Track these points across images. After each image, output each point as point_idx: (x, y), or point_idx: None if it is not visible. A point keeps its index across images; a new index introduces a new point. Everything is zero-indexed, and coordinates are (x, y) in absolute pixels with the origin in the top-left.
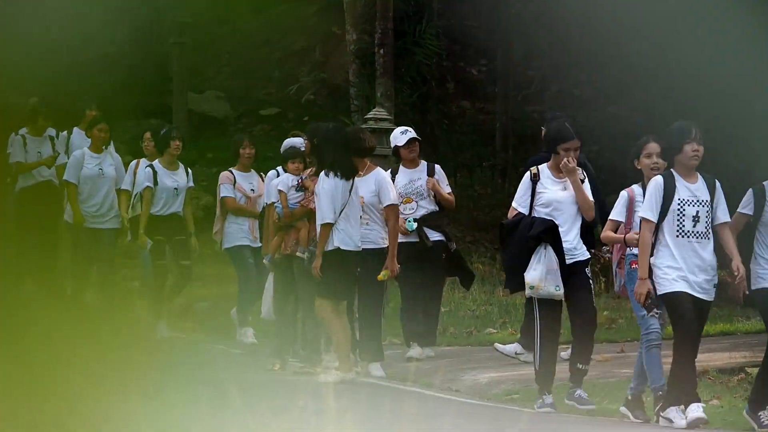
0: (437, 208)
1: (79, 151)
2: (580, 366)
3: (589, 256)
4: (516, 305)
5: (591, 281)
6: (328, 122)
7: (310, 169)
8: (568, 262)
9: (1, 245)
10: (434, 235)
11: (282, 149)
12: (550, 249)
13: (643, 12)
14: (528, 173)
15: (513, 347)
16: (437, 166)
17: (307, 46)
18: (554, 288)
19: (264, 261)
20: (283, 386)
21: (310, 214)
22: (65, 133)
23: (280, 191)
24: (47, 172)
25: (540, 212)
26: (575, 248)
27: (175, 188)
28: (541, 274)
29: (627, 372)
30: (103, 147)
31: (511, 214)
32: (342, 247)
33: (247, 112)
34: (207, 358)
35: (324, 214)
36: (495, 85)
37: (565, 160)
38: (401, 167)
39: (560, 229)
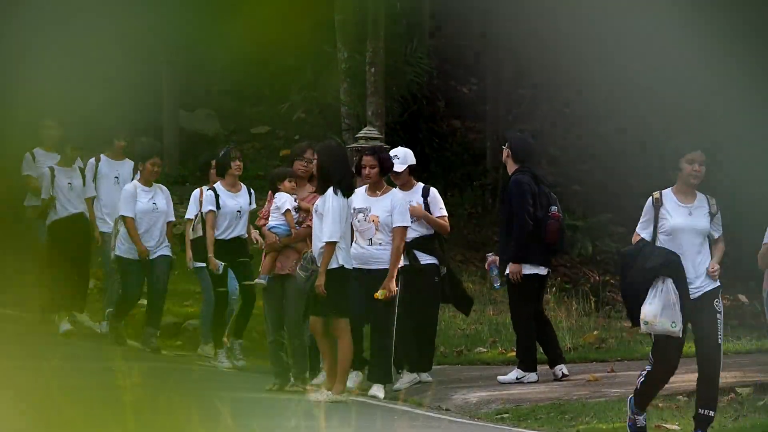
0: (431, 232)
1: (130, 184)
2: (702, 411)
3: (719, 285)
4: (506, 324)
5: (720, 315)
6: (329, 140)
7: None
8: (693, 295)
9: (34, 281)
10: (426, 259)
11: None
12: (669, 282)
13: (634, 32)
14: (650, 198)
15: (514, 374)
16: (432, 189)
17: (298, 64)
18: (670, 324)
19: (259, 280)
20: (275, 405)
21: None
22: (92, 160)
23: (287, 211)
24: (81, 205)
25: (663, 240)
26: (700, 280)
27: (238, 211)
28: (656, 309)
29: (617, 392)
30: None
31: (634, 239)
32: (345, 266)
33: (238, 129)
34: (198, 377)
35: (332, 232)
36: (485, 104)
37: None
38: (397, 188)
39: (684, 259)
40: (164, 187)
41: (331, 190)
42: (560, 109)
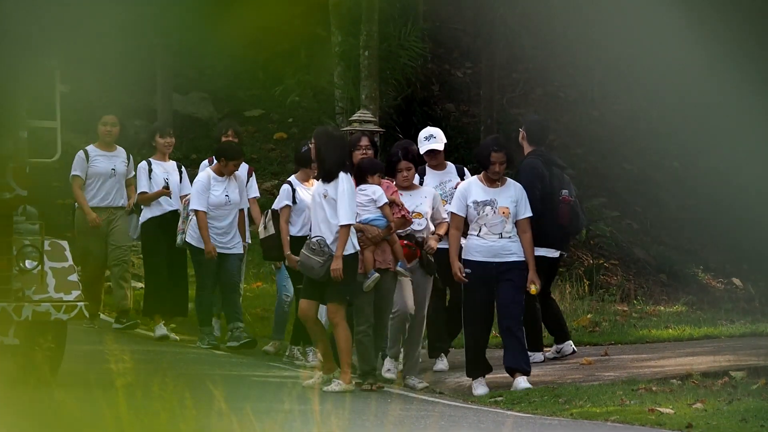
0: None
1: (204, 174)
2: None
3: None
4: None
5: None
6: (326, 125)
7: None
8: None
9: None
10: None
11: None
12: None
13: (628, 16)
14: None
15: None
16: (465, 169)
17: (292, 47)
18: None
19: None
20: (269, 388)
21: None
22: (206, 162)
23: (386, 204)
24: (177, 202)
25: None
26: None
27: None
28: None
29: (610, 375)
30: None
31: None
32: (358, 251)
33: (232, 113)
34: (193, 360)
35: (349, 215)
36: (479, 87)
37: None
38: (427, 168)
39: None
40: (239, 176)
41: (343, 173)
42: (554, 93)
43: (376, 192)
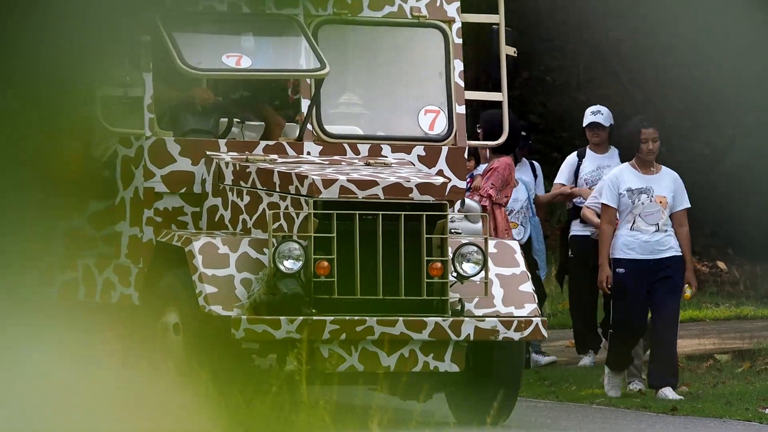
0: None
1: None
2: None
3: None
4: None
5: None
6: None
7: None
8: None
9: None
10: None
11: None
12: None
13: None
14: None
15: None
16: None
17: None
18: None
19: None
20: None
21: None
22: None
23: None
24: None
25: None
26: None
27: None
28: None
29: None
30: None
31: None
32: None
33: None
34: None
35: None
36: (466, 70)
37: None
38: (588, 150)
39: None
40: None
41: None
42: (541, 77)
43: None
